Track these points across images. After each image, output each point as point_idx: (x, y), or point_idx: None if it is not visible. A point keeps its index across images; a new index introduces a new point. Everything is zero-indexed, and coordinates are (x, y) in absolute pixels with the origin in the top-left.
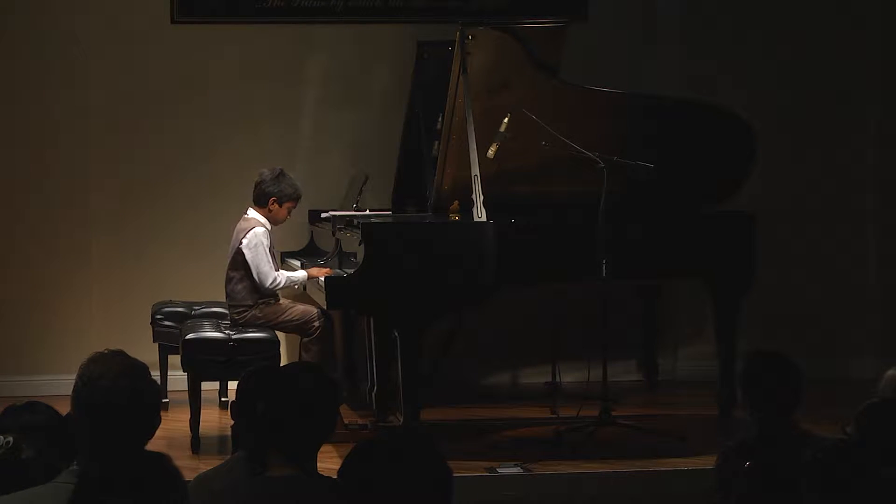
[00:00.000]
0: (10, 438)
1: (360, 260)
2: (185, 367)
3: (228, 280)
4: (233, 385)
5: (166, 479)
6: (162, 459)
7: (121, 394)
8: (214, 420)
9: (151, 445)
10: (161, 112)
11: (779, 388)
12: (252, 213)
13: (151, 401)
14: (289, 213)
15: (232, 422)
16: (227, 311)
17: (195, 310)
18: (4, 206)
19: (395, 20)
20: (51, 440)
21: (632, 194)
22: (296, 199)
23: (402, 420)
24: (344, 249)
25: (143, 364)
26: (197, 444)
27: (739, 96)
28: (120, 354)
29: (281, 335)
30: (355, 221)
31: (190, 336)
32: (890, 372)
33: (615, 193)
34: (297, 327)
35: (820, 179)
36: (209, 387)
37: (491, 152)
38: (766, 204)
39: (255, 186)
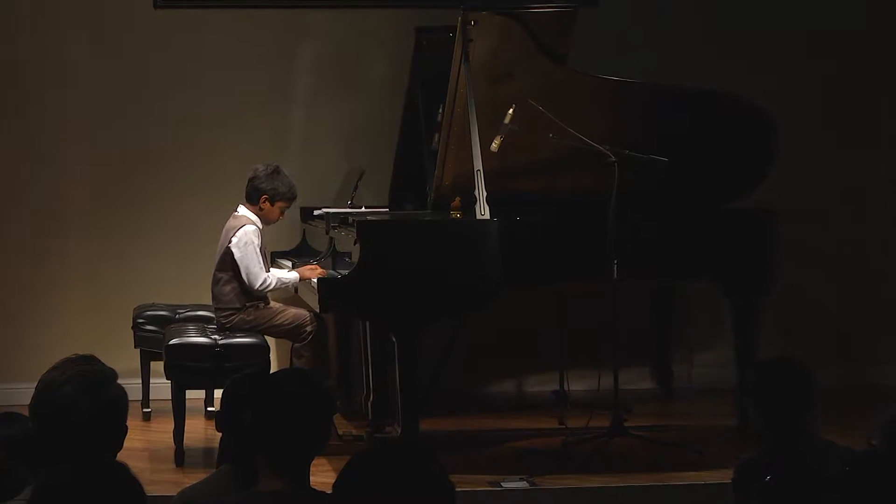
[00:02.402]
0: None
1: (356, 260)
2: (169, 374)
3: (216, 281)
4: (220, 394)
5: (123, 491)
6: (121, 469)
7: (82, 402)
8: (200, 431)
9: (132, 457)
10: (143, 103)
11: (788, 395)
12: (242, 211)
13: (116, 409)
14: (281, 213)
15: (218, 433)
16: (213, 315)
17: (179, 313)
18: None
19: (394, 4)
20: (26, 452)
21: (644, 190)
22: (289, 198)
23: (399, 431)
24: (338, 249)
25: (110, 370)
26: (181, 456)
27: (760, 87)
28: (85, 360)
29: (271, 340)
30: (350, 219)
31: (174, 341)
32: None
33: (627, 189)
34: (288, 332)
35: (846, 176)
36: (194, 395)
37: (495, 146)
38: (788, 201)
39: (248, 182)
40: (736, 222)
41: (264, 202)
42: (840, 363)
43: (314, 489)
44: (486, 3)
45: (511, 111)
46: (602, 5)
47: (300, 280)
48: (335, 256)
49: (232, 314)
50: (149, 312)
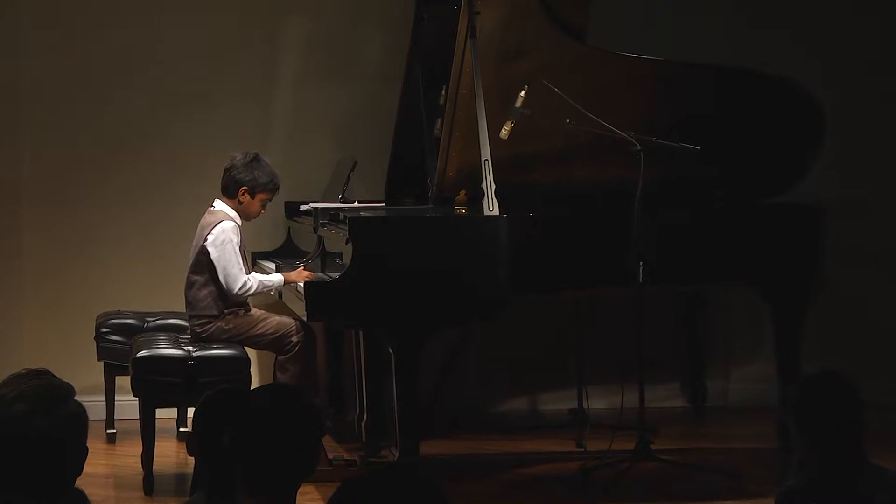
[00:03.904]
0: None
1: (348, 262)
2: (137, 390)
3: (190, 285)
4: (193, 412)
5: None
6: (79, 498)
7: (35, 421)
8: (171, 455)
9: (94, 484)
10: (110, 87)
11: (835, 414)
12: (219, 206)
13: (75, 428)
14: (262, 206)
15: (191, 457)
16: (187, 324)
17: (148, 322)
18: None
19: None
20: None
21: (674, 183)
22: (271, 189)
23: (397, 454)
24: (327, 249)
25: (67, 384)
26: (150, 483)
27: (801, 68)
28: (37, 374)
29: (252, 352)
30: (341, 215)
31: (142, 353)
32: None
33: (654, 182)
34: (272, 342)
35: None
36: (165, 414)
37: (505, 132)
38: (835, 195)
39: (225, 173)
40: (781, 218)
41: (243, 195)
42: (892, 378)
43: None
44: None
45: (523, 93)
46: None
47: (285, 284)
48: (324, 257)
49: (208, 322)
50: (114, 321)
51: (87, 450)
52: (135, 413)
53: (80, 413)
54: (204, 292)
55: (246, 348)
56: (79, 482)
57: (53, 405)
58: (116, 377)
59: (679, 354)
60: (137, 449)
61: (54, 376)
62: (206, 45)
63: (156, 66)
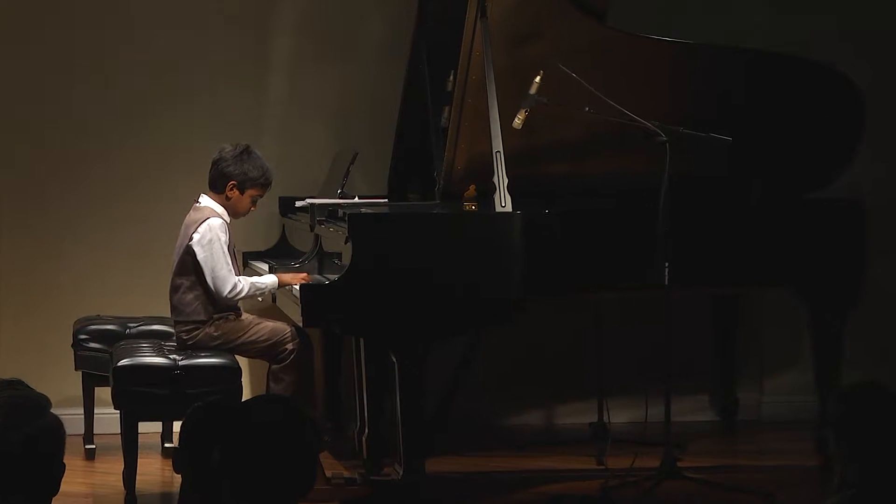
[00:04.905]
0: None
1: (347, 262)
2: (118, 402)
3: (175, 288)
4: (179, 427)
5: None
6: None
7: (8, 435)
8: (155, 472)
9: None
10: (82, 72)
11: (879, 428)
12: (206, 201)
13: (50, 444)
14: (253, 203)
15: (177, 475)
16: (172, 330)
17: (130, 328)
18: None
19: None
20: None
21: (702, 177)
22: (262, 185)
23: (401, 472)
24: (325, 249)
25: (42, 396)
26: (132, 503)
27: (840, 55)
28: (9, 385)
29: (243, 361)
30: (340, 212)
31: (123, 362)
32: None
33: (681, 176)
34: (265, 350)
35: None
36: (148, 429)
37: (518, 121)
38: (879, 191)
39: (212, 166)
40: (821, 215)
41: (231, 190)
42: None
43: None
44: None
45: (538, 79)
46: None
47: (279, 286)
48: (322, 258)
49: (195, 328)
50: (92, 326)
51: (64, 467)
52: (116, 427)
53: (57, 427)
54: (190, 296)
55: (236, 357)
56: (55, 502)
57: (28, 418)
58: (96, 388)
59: (708, 363)
60: (119, 466)
61: (28, 387)
62: (188, 24)
63: (132, 46)
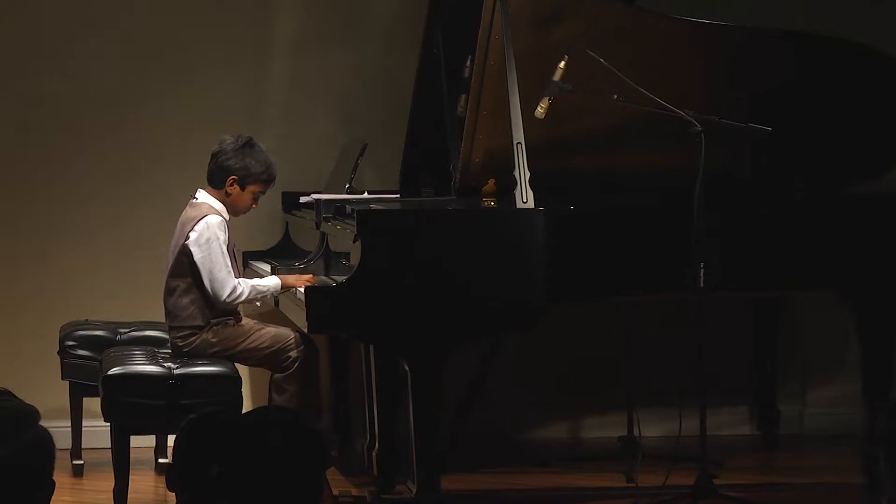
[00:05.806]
0: None
1: (356, 263)
2: (108, 414)
3: (169, 291)
4: (174, 440)
5: None
6: None
7: None
8: (148, 490)
9: None
10: (68, 54)
11: None
12: (203, 197)
13: (39, 459)
14: (254, 199)
15: (171, 492)
16: (166, 336)
17: (121, 334)
18: None
19: None
20: None
21: (741, 171)
22: (265, 181)
23: (414, 490)
24: (332, 248)
25: (31, 407)
26: None
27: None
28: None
29: (243, 369)
30: (348, 208)
31: (114, 371)
32: None
33: (718, 169)
34: (267, 358)
35: None
36: (141, 443)
37: (541, 110)
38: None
39: (212, 159)
40: (871, 212)
41: (231, 185)
42: None
43: None
44: None
45: (562, 64)
46: None
47: (282, 289)
48: (328, 258)
49: (192, 334)
50: (80, 332)
51: (53, 485)
52: (106, 441)
53: (47, 440)
54: (186, 300)
55: (236, 365)
56: None
57: (15, 431)
58: (84, 399)
59: (747, 372)
60: (109, 483)
61: (16, 397)
62: (183, 8)
63: (123, 29)
